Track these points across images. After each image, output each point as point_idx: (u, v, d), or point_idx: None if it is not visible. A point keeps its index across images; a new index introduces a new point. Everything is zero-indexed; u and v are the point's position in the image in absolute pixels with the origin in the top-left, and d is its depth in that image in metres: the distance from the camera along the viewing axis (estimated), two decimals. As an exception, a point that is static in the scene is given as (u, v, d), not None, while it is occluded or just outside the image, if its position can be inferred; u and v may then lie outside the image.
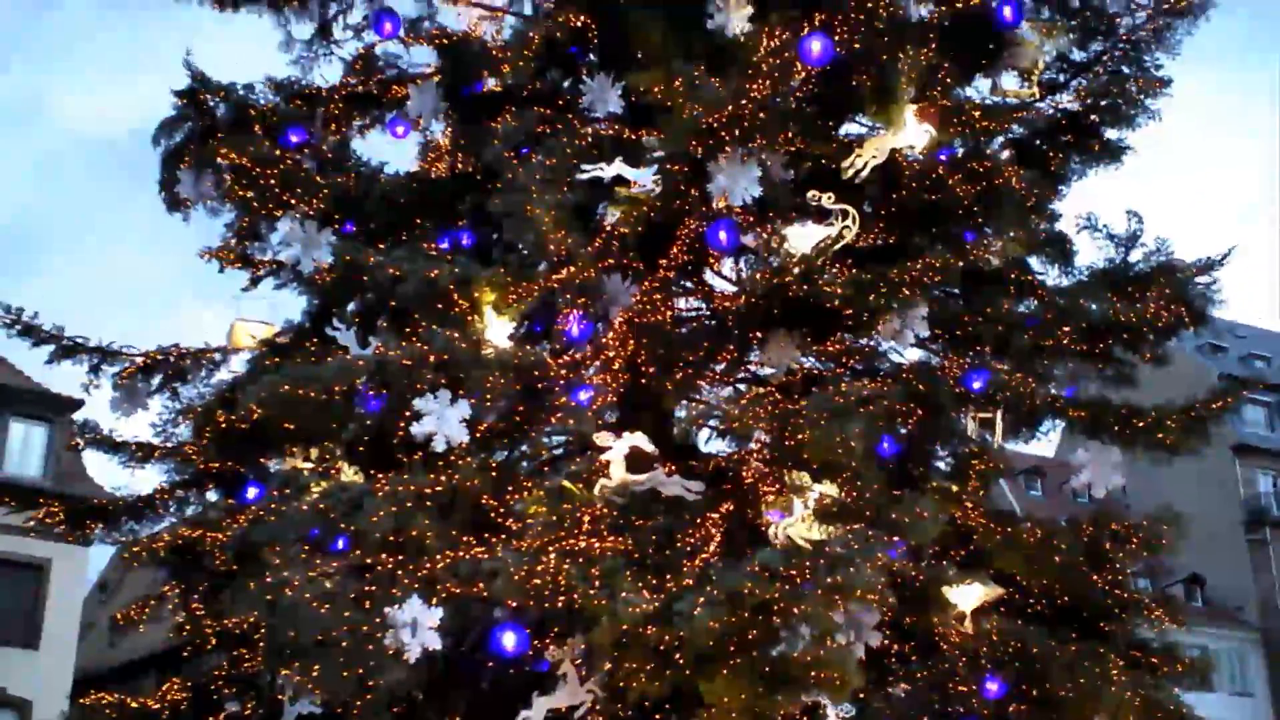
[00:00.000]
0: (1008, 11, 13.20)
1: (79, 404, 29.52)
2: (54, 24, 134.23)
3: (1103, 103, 13.72)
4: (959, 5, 13.27)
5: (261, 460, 12.64)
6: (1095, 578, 12.26)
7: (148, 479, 14.14)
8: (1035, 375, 12.89)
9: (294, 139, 13.53)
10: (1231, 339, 53.33)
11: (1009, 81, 13.97)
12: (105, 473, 40.04)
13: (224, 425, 12.42)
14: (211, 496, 13.49)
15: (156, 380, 13.51)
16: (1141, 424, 12.37)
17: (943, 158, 12.94)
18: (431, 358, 10.81)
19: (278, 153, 12.84)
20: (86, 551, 32.62)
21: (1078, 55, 14.33)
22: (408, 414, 10.79)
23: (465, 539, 10.85)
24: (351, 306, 12.59)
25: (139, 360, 13.39)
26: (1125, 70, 13.90)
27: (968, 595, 11.53)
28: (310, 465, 11.72)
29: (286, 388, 10.88)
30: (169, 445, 13.44)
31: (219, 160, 12.95)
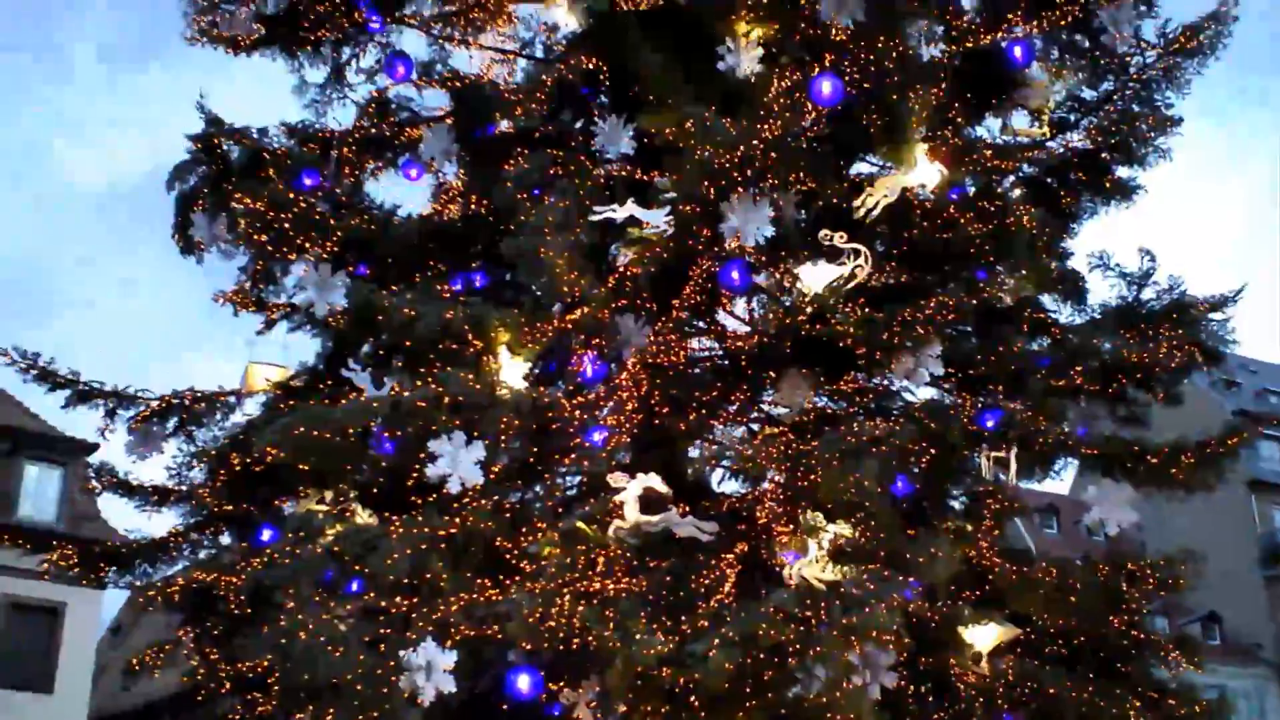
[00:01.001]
0: (1018, 52, 13.31)
1: (93, 447, 29.54)
2: (60, 77, 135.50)
3: (1113, 141, 13.74)
4: (969, 45, 13.36)
5: (276, 503, 12.64)
6: (1112, 618, 12.20)
7: (162, 522, 14.17)
8: (1048, 414, 12.84)
9: (308, 182, 13.58)
10: (1245, 375, 53.31)
11: (1020, 120, 14.07)
12: (119, 516, 40.17)
13: (238, 468, 12.47)
14: (225, 539, 13.49)
15: (171, 424, 13.51)
16: (1155, 462, 12.34)
17: (954, 197, 12.94)
18: (446, 399, 10.83)
19: (291, 196, 12.88)
20: (100, 595, 32.61)
21: (1088, 94, 14.37)
22: (422, 456, 10.80)
23: (479, 581, 10.85)
24: (366, 348, 12.64)
25: (154, 404, 13.40)
26: (1136, 109, 13.92)
27: (983, 635, 11.49)
28: (325, 508, 11.73)
29: (301, 430, 10.89)
30: (183, 488, 13.45)
31: (233, 204, 13.00)
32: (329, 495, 11.83)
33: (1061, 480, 14.78)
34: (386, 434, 11.00)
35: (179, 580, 12.47)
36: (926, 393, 13.34)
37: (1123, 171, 14.08)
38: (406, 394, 11.02)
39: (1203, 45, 13.64)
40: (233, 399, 13.79)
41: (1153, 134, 13.65)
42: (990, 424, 12.51)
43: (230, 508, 12.93)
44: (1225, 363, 13.88)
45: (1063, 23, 13.71)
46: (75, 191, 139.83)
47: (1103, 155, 13.91)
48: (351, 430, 10.89)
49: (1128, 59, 14.05)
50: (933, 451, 12.08)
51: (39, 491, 33.80)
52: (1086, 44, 14.16)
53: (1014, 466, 12.76)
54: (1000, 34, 13.46)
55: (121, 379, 13.42)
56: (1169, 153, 13.74)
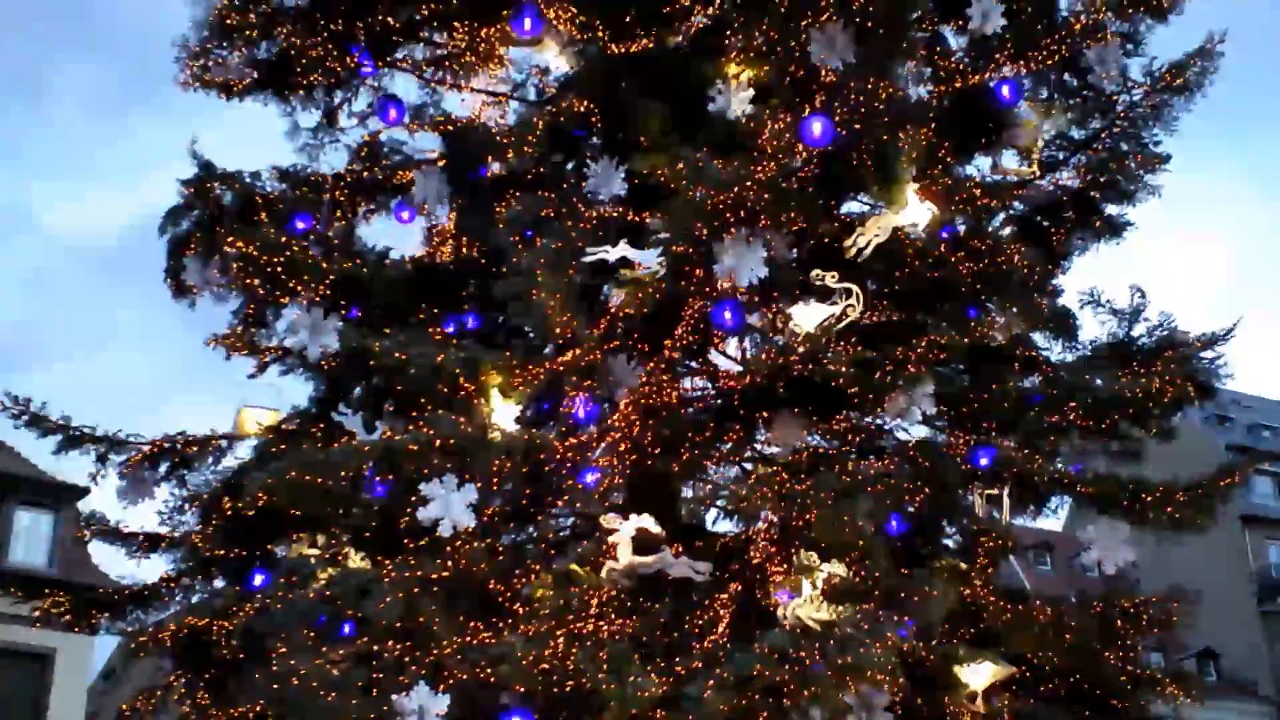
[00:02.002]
0: (1006, 91, 13.40)
1: (85, 492, 29.55)
2: (42, 133, 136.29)
3: (1103, 179, 13.84)
4: (957, 85, 13.45)
5: (268, 547, 12.61)
6: (1108, 655, 12.17)
7: (154, 567, 14.12)
8: (1042, 452, 12.87)
9: (300, 226, 13.62)
10: (1237, 410, 53.40)
11: (1009, 159, 14.13)
12: (111, 560, 40.01)
13: (230, 512, 12.42)
14: (218, 584, 13.43)
15: (163, 468, 13.50)
16: (1150, 500, 12.34)
17: (945, 235, 13.01)
18: (438, 442, 10.82)
19: (284, 240, 12.90)
20: (92, 640, 32.37)
21: (1077, 133, 14.44)
22: (414, 499, 10.78)
23: (472, 624, 10.80)
24: (358, 392, 12.64)
25: (145, 449, 13.38)
26: (1124, 147, 14.01)
27: (979, 674, 11.44)
28: (317, 552, 11.71)
29: (293, 474, 10.87)
30: (175, 534, 13.41)
31: (225, 248, 13.02)
32: (321, 539, 11.81)
33: (1055, 517, 14.80)
34: (379, 477, 10.99)
35: (171, 625, 12.41)
36: (919, 432, 13.33)
37: (1112, 209, 14.16)
38: (398, 437, 11.01)
39: (1190, 83, 13.73)
40: (224, 443, 13.77)
41: (1141, 171, 13.75)
42: (984, 462, 12.53)
43: (222, 552, 12.87)
44: (1218, 398, 13.89)
45: (1050, 62, 13.81)
46: (57, 243, 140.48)
47: (1092, 193, 14.01)
48: (344, 474, 10.88)
49: (1115, 97, 14.14)
50: (926, 490, 12.09)
51: (31, 537, 33.63)
52: (1074, 83, 14.25)
53: (1008, 505, 12.76)
54: (988, 74, 13.56)
55: (111, 425, 13.36)
56: (1158, 190, 13.84)
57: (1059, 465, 13.09)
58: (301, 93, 14.55)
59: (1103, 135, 14.20)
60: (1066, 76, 14.27)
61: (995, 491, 12.75)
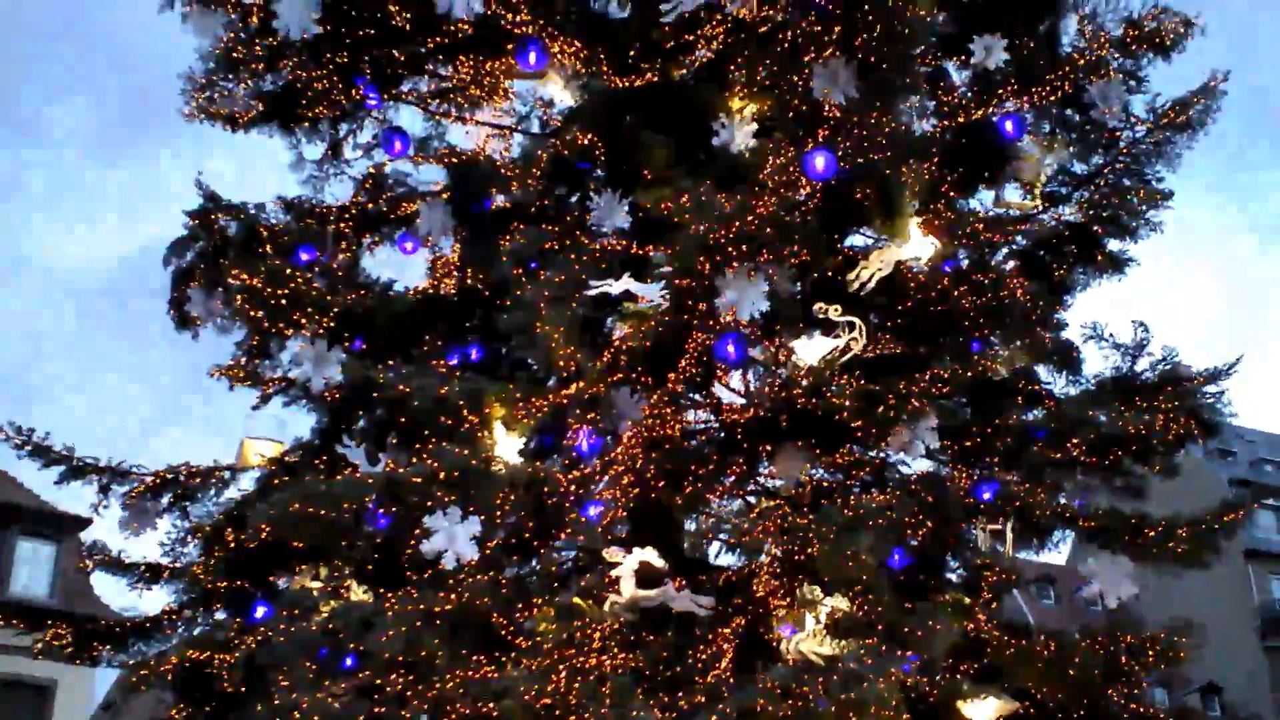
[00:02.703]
0: (1009, 126, 13.47)
1: (86, 523, 29.49)
2: (37, 172, 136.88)
3: (1105, 215, 13.89)
4: (960, 120, 13.51)
5: (270, 579, 12.58)
6: (1111, 690, 12.12)
7: (156, 598, 14.08)
8: (1045, 486, 12.86)
9: (304, 257, 13.65)
10: (1240, 444, 53.28)
11: (1012, 194, 14.19)
12: (112, 591, 39.89)
13: (233, 544, 12.42)
14: (220, 616, 13.39)
15: (165, 500, 13.50)
16: (1152, 535, 12.32)
17: (948, 269, 13.04)
18: (441, 474, 10.81)
19: (288, 272, 12.93)
20: (93, 672, 32.26)
21: (1079, 168, 14.54)
22: (418, 531, 10.76)
23: (475, 658, 10.76)
24: (361, 423, 12.62)
25: (148, 480, 13.38)
26: (1126, 183, 14.07)
27: (983, 709, 11.39)
28: (319, 584, 11.68)
29: (296, 506, 10.85)
30: (177, 565, 13.39)
31: (229, 280, 13.05)
32: (324, 572, 11.79)
33: (1058, 551, 14.77)
34: (382, 510, 10.96)
35: (172, 658, 12.36)
36: (923, 465, 13.33)
37: (1114, 244, 14.20)
38: (402, 470, 11.00)
39: (1192, 120, 13.79)
40: (227, 474, 13.76)
41: (1144, 207, 13.79)
42: (987, 496, 12.52)
43: (224, 584, 12.84)
44: (1221, 432, 13.88)
45: (1053, 98, 13.89)
46: (54, 276, 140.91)
47: (1094, 228, 14.06)
48: (347, 506, 10.86)
49: (1118, 133, 14.20)
50: (930, 524, 12.07)
51: (32, 567, 33.58)
52: (1077, 119, 14.32)
53: (1011, 539, 12.75)
54: (991, 109, 13.65)
55: (115, 456, 13.37)
56: (1160, 226, 13.87)
57: (1062, 500, 13.07)
58: (307, 125, 14.60)
59: (1105, 171, 14.28)
60: (1069, 112, 14.35)
61: (998, 525, 12.74)
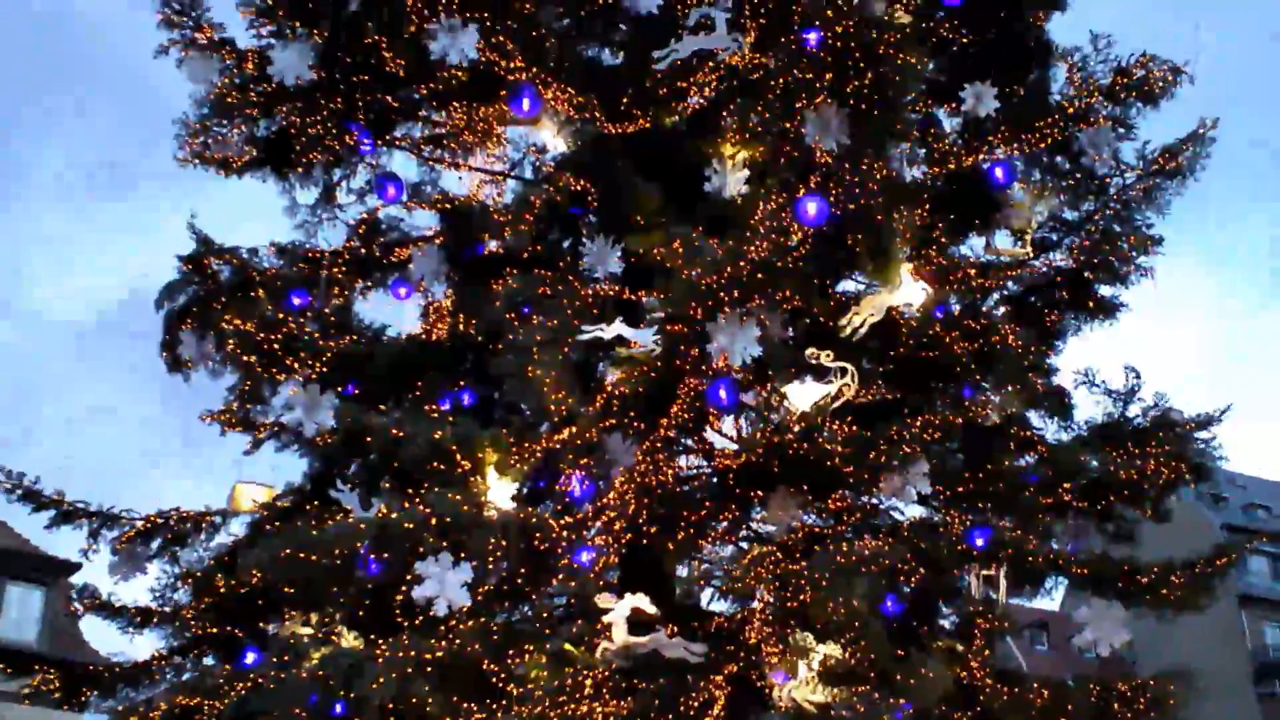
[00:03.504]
0: (999, 173, 13.57)
1: (75, 567, 29.34)
2: (26, 205, 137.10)
3: (1095, 261, 13.97)
4: (951, 167, 13.59)
5: (260, 625, 12.52)
6: (1105, 738, 12.08)
7: (145, 643, 14.01)
8: (1038, 532, 12.86)
9: (297, 302, 13.68)
10: (1232, 489, 53.33)
11: (1002, 240, 14.26)
12: (101, 636, 39.74)
13: (223, 590, 12.36)
14: (209, 662, 13.32)
15: (155, 545, 13.45)
16: (1146, 581, 12.32)
17: (939, 315, 13.07)
18: (433, 520, 10.77)
19: (281, 316, 12.96)
20: (81, 718, 32.06)
21: (1070, 214, 14.62)
22: (409, 577, 10.72)
23: (466, 705, 10.69)
24: (354, 468, 12.60)
25: (139, 525, 13.33)
26: (1117, 229, 14.15)
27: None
28: (310, 630, 11.63)
29: (287, 552, 10.82)
30: (167, 610, 13.32)
31: (222, 324, 13.06)
32: (314, 618, 11.73)
33: (1051, 597, 14.75)
34: (373, 556, 10.92)
35: (161, 704, 12.27)
36: (915, 511, 13.34)
37: (1105, 290, 14.26)
38: (394, 515, 10.96)
39: (1182, 166, 13.89)
40: (218, 519, 13.72)
41: (1134, 254, 13.87)
42: (979, 542, 12.50)
43: (214, 630, 12.79)
44: (1213, 477, 13.90)
45: (1043, 144, 13.99)
46: (43, 320, 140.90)
47: (1085, 274, 14.13)
48: (338, 552, 10.82)
49: (1108, 180, 14.30)
50: (922, 570, 12.05)
51: (21, 612, 33.43)
52: (1067, 165, 14.41)
53: (1004, 585, 12.72)
54: (981, 155, 13.74)
55: (104, 500, 13.32)
56: (1151, 272, 13.94)
57: (1055, 545, 13.07)
58: (301, 170, 14.63)
59: (1095, 217, 14.36)
60: (1059, 159, 14.44)
61: (991, 572, 12.71)
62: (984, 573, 12.71)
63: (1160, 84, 13.96)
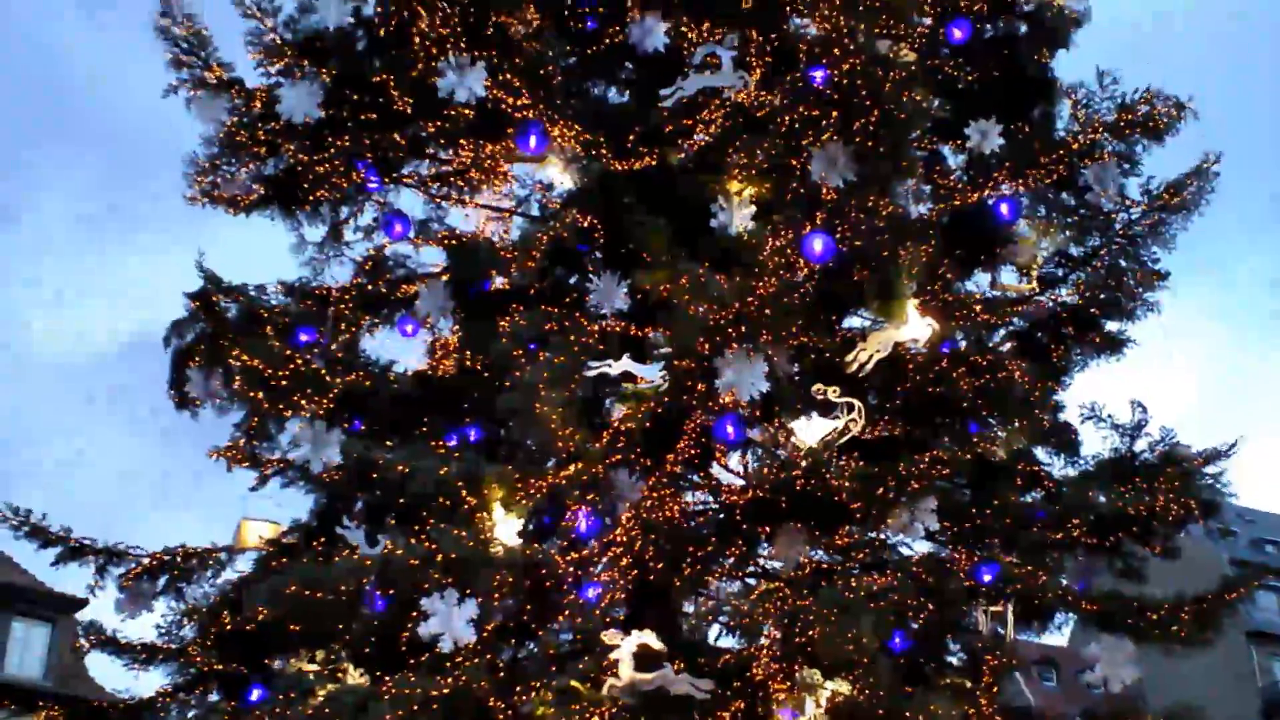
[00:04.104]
0: (1005, 209, 13.61)
1: (82, 603, 29.36)
2: (24, 247, 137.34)
3: (1101, 296, 14.00)
4: (957, 203, 13.62)
5: (266, 662, 12.49)
6: (1115, 777, 12.03)
7: (151, 680, 13.95)
8: (1045, 568, 12.82)
9: (304, 339, 13.69)
10: (1240, 524, 53.09)
11: (1008, 276, 14.28)
12: (106, 672, 39.60)
13: (229, 626, 12.33)
14: (215, 699, 13.28)
15: (162, 581, 13.43)
16: (1155, 617, 12.28)
17: (946, 351, 13.09)
18: (439, 557, 10.77)
19: (288, 353, 12.96)
20: (85, 754, 31.93)
21: (1076, 250, 14.64)
22: (415, 614, 10.71)
23: (473, 743, 10.67)
24: (360, 505, 12.60)
25: (145, 561, 13.31)
26: (1123, 264, 14.16)
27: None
28: (315, 667, 11.60)
29: (293, 589, 10.81)
30: (173, 646, 13.29)
31: (230, 361, 13.07)
32: (320, 655, 11.70)
33: (1059, 633, 14.69)
34: (379, 592, 10.92)
35: (167, 741, 12.27)
36: (923, 547, 13.32)
37: (1111, 325, 14.27)
38: (399, 552, 10.96)
39: (1187, 201, 13.91)
40: (224, 556, 13.70)
41: (1140, 289, 13.88)
42: (987, 578, 12.48)
43: (220, 667, 12.75)
44: (1221, 512, 13.85)
45: (1048, 180, 14.02)
46: (42, 361, 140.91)
47: (1091, 310, 14.14)
48: (344, 589, 10.81)
49: (1113, 216, 14.32)
50: (930, 607, 12.01)
51: (26, 648, 33.36)
52: (1072, 201, 14.44)
53: (1012, 621, 12.68)
54: (987, 192, 13.77)
55: (110, 536, 13.31)
56: (1157, 307, 13.95)
57: (1063, 581, 13.03)
58: (308, 208, 14.69)
59: (1101, 252, 14.37)
60: (1064, 195, 14.47)
61: (999, 608, 12.68)
62: (992, 609, 12.67)
63: (1164, 120, 13.99)
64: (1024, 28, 14.75)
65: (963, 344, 13.47)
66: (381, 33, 13.57)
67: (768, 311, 11.69)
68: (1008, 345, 14.20)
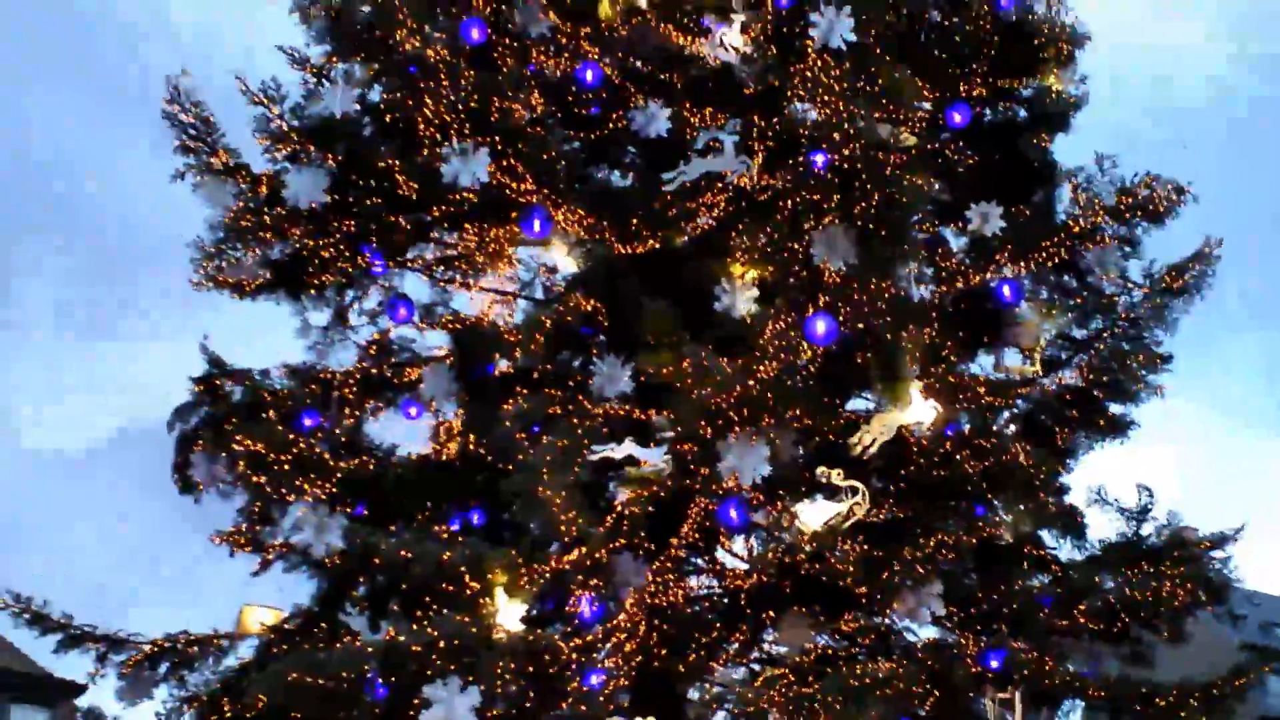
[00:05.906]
0: (1007, 291, 13.64)
1: (81, 689, 29.10)
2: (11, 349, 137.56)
3: (1105, 379, 13.98)
4: (959, 285, 13.66)
5: (267, 749, 12.35)
6: None
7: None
8: (1053, 653, 12.72)
9: (308, 423, 13.66)
10: (1248, 607, 52.64)
11: (1012, 358, 14.28)
12: (104, 758, 39.24)
13: (229, 713, 12.21)
14: (214, 786, 13.13)
15: (163, 668, 13.32)
16: (1163, 703, 12.16)
17: (949, 433, 13.06)
18: (441, 643, 10.69)
19: (291, 437, 12.94)
20: (81, 843, 31.60)
21: (1078, 332, 14.67)
22: (417, 701, 10.60)
23: (475, 831, 10.53)
24: (363, 590, 12.52)
25: (146, 649, 13.21)
26: (1126, 347, 14.18)
27: None
28: (317, 755, 11.45)
29: (295, 675, 10.70)
30: (173, 733, 13.17)
31: (233, 445, 13.05)
32: (322, 742, 11.56)
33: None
34: (381, 679, 10.82)
35: (164, 830, 12.11)
36: (929, 632, 13.21)
37: (1116, 408, 14.24)
38: (401, 638, 10.87)
39: (1189, 285, 13.97)
40: (226, 643, 13.59)
41: (1144, 372, 13.88)
42: (995, 664, 12.37)
43: (219, 754, 12.62)
44: (1229, 597, 13.76)
45: (1049, 263, 14.07)
46: (35, 455, 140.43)
47: (1095, 392, 14.12)
48: (346, 676, 10.71)
49: (1115, 298, 14.36)
50: (937, 693, 11.91)
51: (24, 734, 33.07)
52: (1074, 284, 14.50)
53: (1020, 708, 12.56)
54: (989, 274, 13.80)
55: (108, 621, 13.20)
56: (1161, 389, 13.94)
57: (1071, 668, 12.91)
58: (313, 292, 14.73)
59: (1104, 335, 14.40)
60: (1066, 277, 14.53)
61: (1007, 694, 12.55)
62: (1000, 695, 12.55)
63: (1164, 203, 14.08)
64: (1023, 112, 14.88)
65: (967, 426, 13.44)
66: (387, 119, 13.69)
67: (770, 394, 11.69)
68: (1012, 428, 14.17)
